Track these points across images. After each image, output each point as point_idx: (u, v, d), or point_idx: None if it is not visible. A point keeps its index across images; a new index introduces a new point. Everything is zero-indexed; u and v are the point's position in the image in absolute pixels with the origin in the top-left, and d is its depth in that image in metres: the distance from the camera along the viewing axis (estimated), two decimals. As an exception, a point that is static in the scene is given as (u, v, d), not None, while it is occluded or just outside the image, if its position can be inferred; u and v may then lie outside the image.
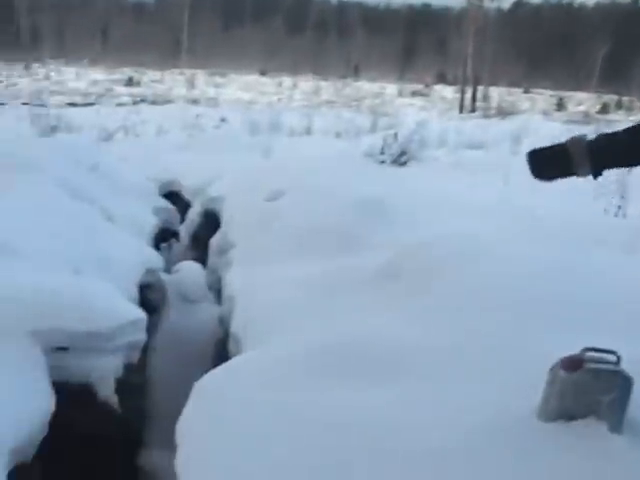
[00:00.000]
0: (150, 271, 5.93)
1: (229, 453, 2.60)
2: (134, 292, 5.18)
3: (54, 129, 14.28)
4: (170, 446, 3.20)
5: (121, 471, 4.17)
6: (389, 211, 6.10)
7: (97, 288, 4.45)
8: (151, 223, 7.64)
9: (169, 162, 10.91)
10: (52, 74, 45.48)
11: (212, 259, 6.96)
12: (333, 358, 3.16)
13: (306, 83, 53.32)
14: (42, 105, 19.36)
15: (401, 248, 4.59)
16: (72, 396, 3.78)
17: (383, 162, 11.65)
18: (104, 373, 3.92)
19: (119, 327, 4.01)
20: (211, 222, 8.21)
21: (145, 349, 4.56)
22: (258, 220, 6.49)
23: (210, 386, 3.20)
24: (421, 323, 3.53)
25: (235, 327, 4.40)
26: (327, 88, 50.05)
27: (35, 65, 48.77)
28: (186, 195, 9.79)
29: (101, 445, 3.87)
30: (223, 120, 19.49)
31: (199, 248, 7.96)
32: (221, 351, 4.93)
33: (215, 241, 7.11)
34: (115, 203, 7.24)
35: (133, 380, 4.25)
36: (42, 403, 3.47)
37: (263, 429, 2.66)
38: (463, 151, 13.87)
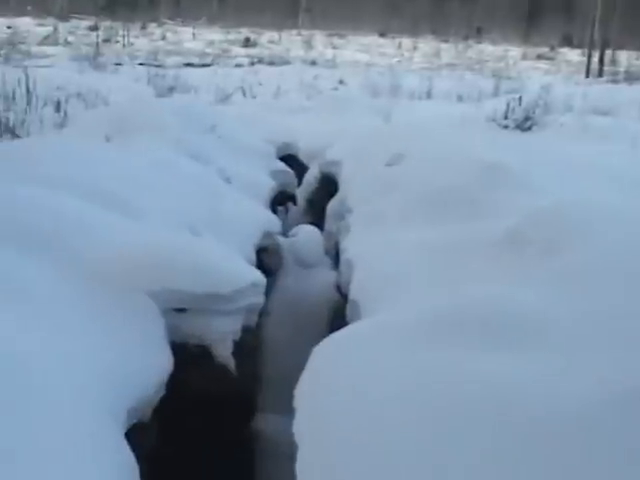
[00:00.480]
0: (267, 234, 5.94)
1: (349, 419, 2.55)
2: (252, 255, 5.19)
3: (171, 90, 14.52)
4: (284, 411, 3.17)
5: (235, 433, 4.19)
6: (514, 176, 5.88)
7: (216, 250, 4.47)
8: (268, 186, 7.64)
9: (286, 124, 10.91)
10: (168, 34, 46.20)
11: (329, 223, 6.93)
12: (457, 324, 3.03)
13: (426, 45, 52.41)
14: (159, 65, 19.73)
15: (527, 214, 4.39)
16: (190, 357, 3.82)
17: (506, 127, 11.32)
18: (222, 335, 3.93)
19: (239, 290, 4.01)
20: (328, 186, 8.17)
21: (261, 313, 4.56)
22: (377, 185, 6.39)
23: (329, 351, 3.15)
24: (548, 291, 3.36)
25: (354, 293, 4.33)
26: (448, 50, 49.06)
27: (152, 25, 49.63)
28: (303, 158, 9.79)
29: (216, 407, 3.90)
30: (341, 82, 19.42)
31: (316, 212, 7.95)
32: (337, 317, 4.89)
33: (332, 205, 7.06)
34: (233, 165, 7.27)
35: (250, 343, 4.25)
36: (161, 363, 3.51)
37: (384, 394, 2.59)
38: (589, 117, 13.32)
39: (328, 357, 3.08)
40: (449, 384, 2.57)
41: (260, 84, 17.79)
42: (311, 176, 8.82)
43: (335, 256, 6.04)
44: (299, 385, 2.98)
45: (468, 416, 2.35)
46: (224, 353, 3.90)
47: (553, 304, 3.19)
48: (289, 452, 2.76)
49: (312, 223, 7.17)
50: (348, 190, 6.84)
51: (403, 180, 6.23)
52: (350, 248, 5.20)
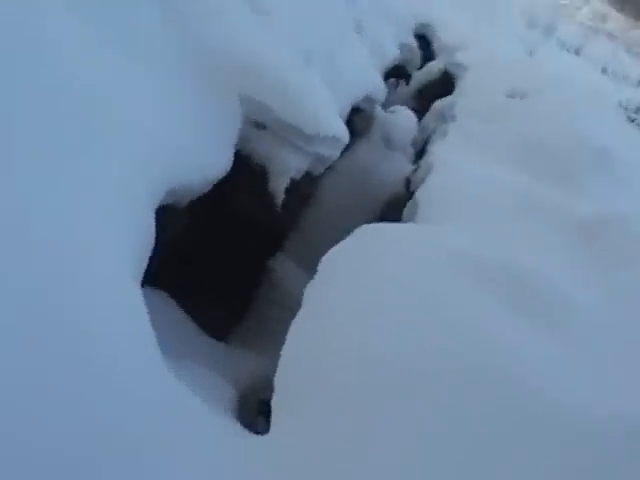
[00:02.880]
0: (368, 98, 5.71)
1: (353, 300, 2.51)
2: (346, 110, 5.00)
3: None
4: (303, 267, 3.08)
5: (254, 261, 4.16)
6: (619, 167, 5.55)
7: (318, 89, 4.29)
8: (392, 54, 7.35)
9: (436, 13, 10.43)
10: None
11: (429, 119, 6.67)
12: (485, 279, 2.88)
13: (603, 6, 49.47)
14: None
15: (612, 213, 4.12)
16: (246, 172, 3.72)
17: (633, 121, 10.77)
18: (285, 168, 3.81)
19: (321, 136, 3.86)
20: (446, 85, 7.86)
21: (328, 167, 4.42)
22: (489, 110, 6.08)
23: (365, 234, 3.04)
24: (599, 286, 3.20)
25: (420, 195, 4.16)
26: (617, 20, 46.43)
27: None
28: (435, 46, 9.40)
29: (248, 230, 3.84)
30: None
31: (422, 101, 7.67)
32: (394, 208, 4.74)
33: (442, 104, 6.78)
34: (370, 20, 6.96)
35: (305, 189, 4.15)
36: (219, 162, 3.39)
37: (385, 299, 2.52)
38: None
39: (363, 237, 2.99)
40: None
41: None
42: (434, 67, 8.48)
43: (419, 152, 5.84)
44: (329, 254, 2.90)
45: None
46: (279, 185, 3.79)
47: (600, 300, 3.04)
48: (287, 303, 2.71)
49: (414, 110, 6.91)
50: (461, 99, 6.54)
51: (514, 116, 5.92)
52: (438, 153, 4.99)
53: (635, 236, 3.74)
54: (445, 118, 6.18)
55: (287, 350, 2.42)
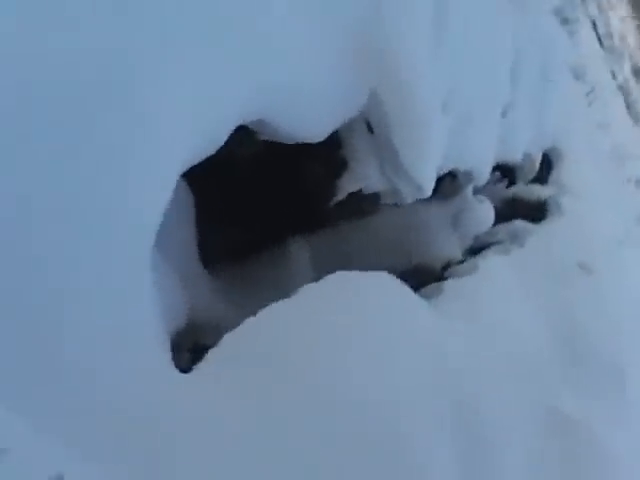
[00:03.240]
0: (468, 172, 5.70)
1: None
2: (445, 169, 4.97)
3: None
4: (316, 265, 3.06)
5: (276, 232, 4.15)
6: None
7: (437, 136, 4.27)
8: (515, 152, 7.31)
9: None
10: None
11: (502, 230, 6.63)
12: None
13: None
14: None
15: None
16: (326, 154, 3.71)
17: None
18: (363, 175, 3.81)
19: (410, 174, 3.86)
20: (536, 210, 7.82)
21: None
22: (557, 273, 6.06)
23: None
24: None
25: (450, 284, 4.15)
26: None
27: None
28: (554, 174, 9.34)
29: (295, 201, 3.84)
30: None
31: (507, 209, 7.62)
32: (418, 274, 4.73)
33: (522, 226, 6.75)
34: (519, 111, 6.91)
35: (362, 206, 4.14)
36: (327, 120, 3.34)
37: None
38: None
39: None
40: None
41: None
42: (539, 192, 8.41)
43: (474, 249, 5.80)
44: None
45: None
46: (348, 185, 3.80)
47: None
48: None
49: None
50: (544, 235, 6.49)
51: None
52: (487, 265, 4.98)
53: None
54: (517, 239, 6.16)
55: (254, 320, 2.44)
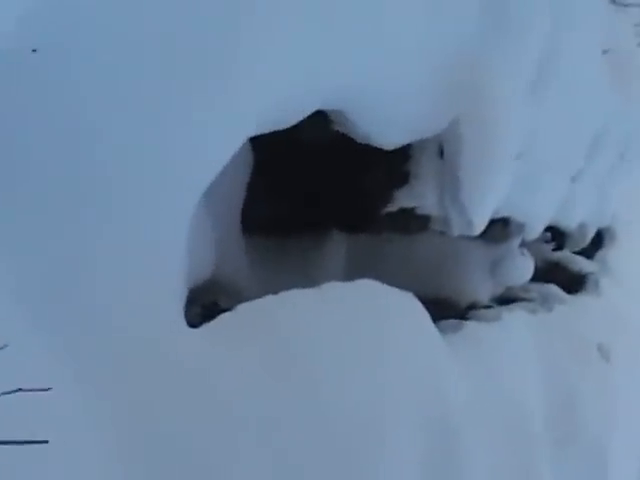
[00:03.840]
0: (520, 223, 5.66)
1: None
2: (501, 213, 4.93)
3: None
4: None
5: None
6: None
7: (504, 180, 4.23)
8: (570, 221, 7.25)
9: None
10: None
11: (537, 290, 6.58)
12: None
13: None
14: None
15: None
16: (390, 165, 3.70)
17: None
18: (420, 193, 3.79)
19: (466, 206, 3.84)
20: (571, 281, 7.75)
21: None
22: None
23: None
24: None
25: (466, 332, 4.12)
26: None
27: None
28: (600, 253, 9.25)
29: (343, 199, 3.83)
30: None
31: (547, 272, 7.57)
32: (438, 308, 4.71)
33: (555, 291, 6.69)
34: (586, 182, 6.85)
35: (409, 224, 4.12)
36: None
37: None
38: None
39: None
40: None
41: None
42: (581, 265, 8.33)
43: (502, 300, 5.76)
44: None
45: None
46: (400, 200, 3.79)
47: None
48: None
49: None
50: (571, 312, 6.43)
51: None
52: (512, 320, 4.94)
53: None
54: (547, 303, 6.11)
55: (273, 298, 2.44)
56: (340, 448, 2.38)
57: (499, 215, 4.84)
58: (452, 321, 4.19)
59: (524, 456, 4.32)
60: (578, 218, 7.20)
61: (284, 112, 2.49)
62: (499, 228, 5.39)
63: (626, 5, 6.17)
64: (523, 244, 6.36)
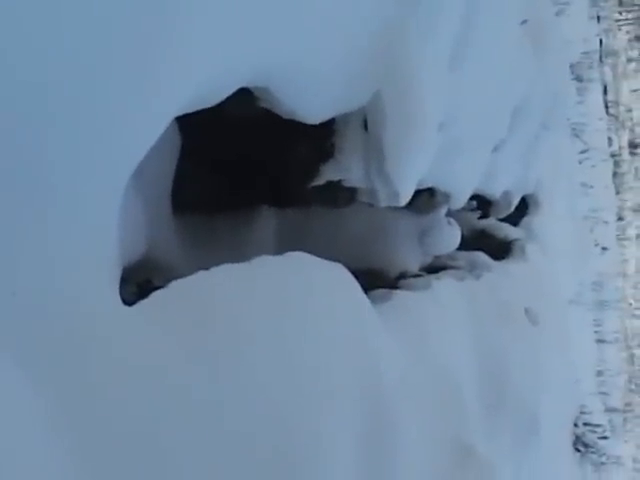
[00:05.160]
0: (445, 194, 5.79)
1: None
2: (427, 183, 5.03)
3: None
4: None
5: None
6: None
7: (427, 149, 4.34)
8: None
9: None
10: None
11: (465, 257, 6.75)
12: None
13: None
14: None
15: None
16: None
17: None
18: (347, 166, 3.86)
19: (391, 177, 3.93)
20: (498, 248, 7.96)
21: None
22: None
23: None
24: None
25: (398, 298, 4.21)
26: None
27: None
28: (526, 219, 9.49)
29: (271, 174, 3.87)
30: None
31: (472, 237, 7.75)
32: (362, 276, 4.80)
33: (482, 257, 6.88)
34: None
35: (336, 197, 4.20)
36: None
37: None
38: None
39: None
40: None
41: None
42: (506, 232, 8.56)
43: (429, 269, 5.89)
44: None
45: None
46: (327, 173, 3.86)
47: None
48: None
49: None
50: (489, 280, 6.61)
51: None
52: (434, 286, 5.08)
53: None
54: (475, 270, 6.28)
55: (204, 274, 2.49)
56: (274, 426, 2.43)
57: (425, 185, 4.95)
58: (382, 290, 4.30)
59: (457, 424, 4.46)
60: (502, 186, 7.39)
61: (209, 91, 2.53)
62: (425, 198, 5.52)
63: (542, -24, 6.35)
64: (449, 213, 6.51)
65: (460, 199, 6.02)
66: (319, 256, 3.18)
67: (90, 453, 1.82)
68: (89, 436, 1.84)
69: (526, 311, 6.90)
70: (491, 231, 8.35)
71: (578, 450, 11.63)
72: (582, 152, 15.01)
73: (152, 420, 2.00)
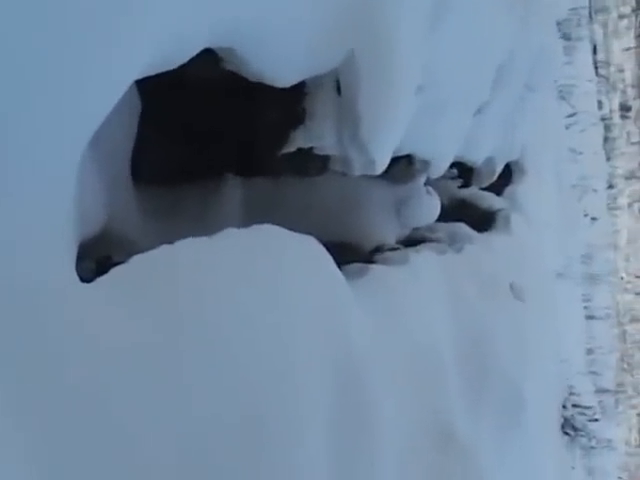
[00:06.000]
0: (424, 160, 5.82)
1: None
2: (399, 152, 5.06)
3: None
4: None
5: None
6: None
7: (403, 114, 4.37)
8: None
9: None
10: None
11: (443, 230, 6.80)
12: None
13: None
14: None
15: None
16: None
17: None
18: (319, 133, 3.89)
19: (366, 143, 3.96)
20: (481, 219, 8.01)
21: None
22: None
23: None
24: None
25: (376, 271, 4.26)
26: None
27: None
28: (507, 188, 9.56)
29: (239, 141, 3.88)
30: None
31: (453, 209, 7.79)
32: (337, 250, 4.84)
33: (462, 228, 6.93)
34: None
35: (307, 167, 4.22)
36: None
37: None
38: None
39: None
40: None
41: None
42: (488, 202, 8.62)
43: (412, 242, 5.94)
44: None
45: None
46: (298, 139, 3.88)
47: None
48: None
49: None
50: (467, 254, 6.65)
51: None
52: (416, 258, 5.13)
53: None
54: (456, 243, 6.34)
55: (168, 248, 2.52)
56: (242, 398, 2.47)
57: (402, 152, 4.98)
58: (357, 265, 4.34)
59: (436, 402, 4.54)
60: (485, 153, 7.42)
61: (170, 52, 2.53)
62: (403, 166, 5.55)
63: None
64: (428, 182, 6.55)
65: (440, 167, 6.06)
66: (289, 228, 3.21)
67: (50, 434, 1.85)
68: (48, 417, 1.87)
69: (511, 286, 6.99)
70: (473, 201, 8.40)
71: (567, 434, 11.81)
72: (570, 116, 15.08)
73: (114, 398, 2.04)
